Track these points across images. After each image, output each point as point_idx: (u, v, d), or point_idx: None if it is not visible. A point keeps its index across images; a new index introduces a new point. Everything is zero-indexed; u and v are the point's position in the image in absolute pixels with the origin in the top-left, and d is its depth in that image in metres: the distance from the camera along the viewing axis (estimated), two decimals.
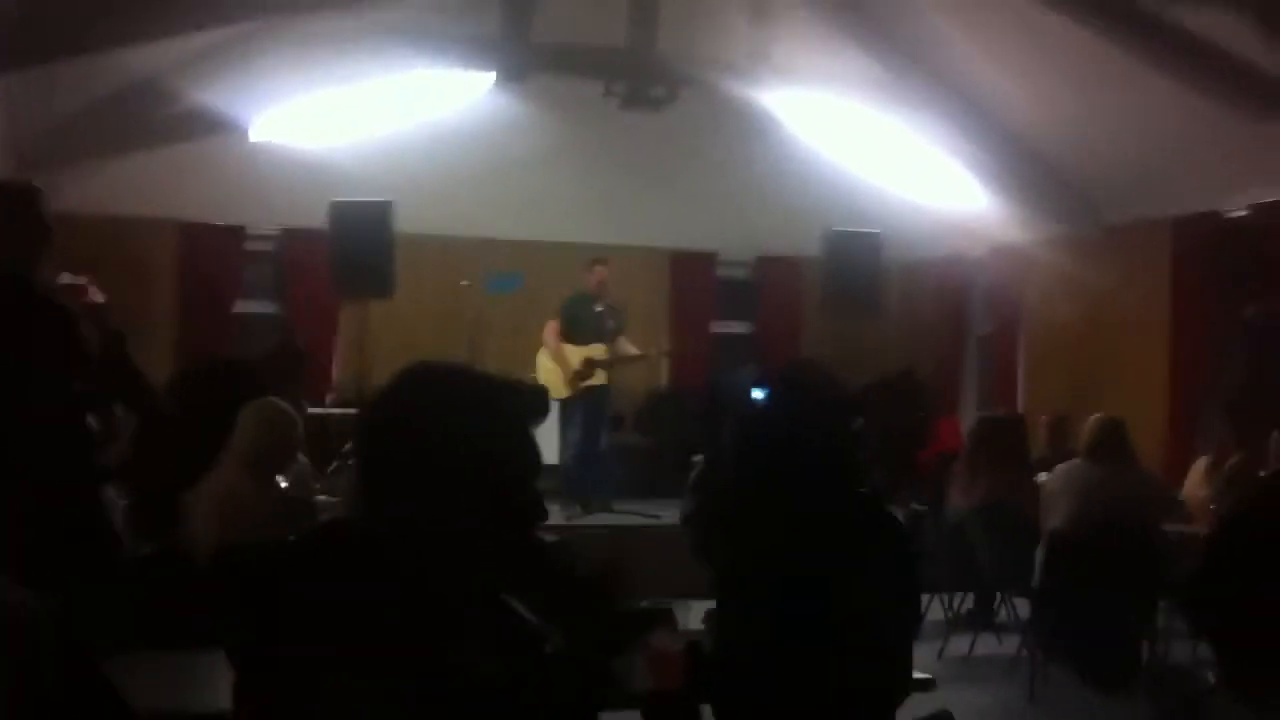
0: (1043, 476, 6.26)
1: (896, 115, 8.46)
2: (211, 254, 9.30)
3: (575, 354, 8.08)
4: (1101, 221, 8.73)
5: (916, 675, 2.69)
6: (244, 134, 7.78)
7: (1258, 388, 7.50)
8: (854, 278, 8.86)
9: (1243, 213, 7.59)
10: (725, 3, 7.91)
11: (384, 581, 1.52)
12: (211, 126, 7.47)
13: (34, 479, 3.33)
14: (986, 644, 6.09)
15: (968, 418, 9.49)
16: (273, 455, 4.03)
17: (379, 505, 1.59)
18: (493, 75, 7.66)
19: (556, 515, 7.19)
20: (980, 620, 6.31)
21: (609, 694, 2.55)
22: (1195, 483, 7.07)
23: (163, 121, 7.31)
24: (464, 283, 8.13)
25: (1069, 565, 5.31)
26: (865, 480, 2.69)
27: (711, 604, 2.89)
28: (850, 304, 8.96)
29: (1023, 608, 5.87)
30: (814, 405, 2.65)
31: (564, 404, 7.96)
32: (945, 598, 6.51)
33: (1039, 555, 5.41)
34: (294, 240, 9.48)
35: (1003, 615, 6.25)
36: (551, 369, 8.10)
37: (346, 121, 8.05)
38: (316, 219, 7.97)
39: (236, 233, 9.41)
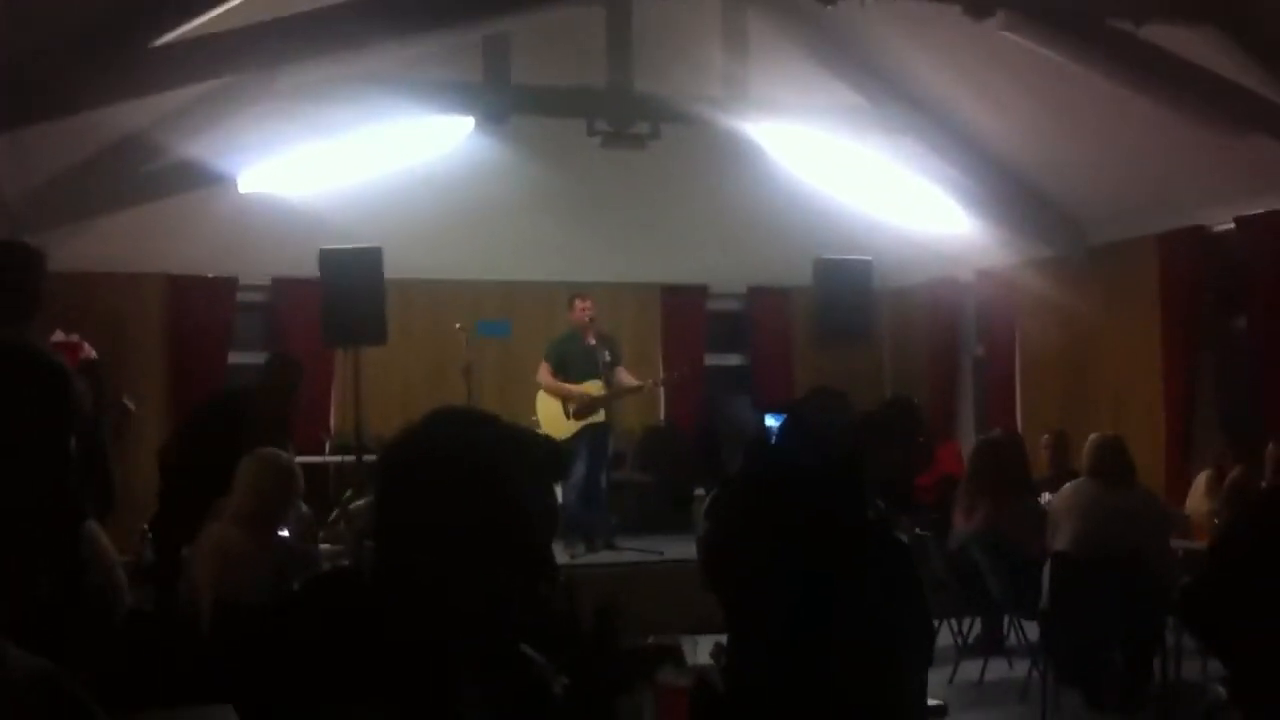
0: (1046, 497, 6.24)
1: (878, 144, 8.52)
2: (202, 306, 9.30)
3: (573, 392, 8.08)
4: (1087, 241, 8.78)
5: (929, 702, 2.67)
6: (232, 186, 7.80)
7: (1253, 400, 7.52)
8: (845, 305, 8.89)
9: (1228, 226, 7.63)
10: (701, 39, 7.99)
11: (389, 631, 1.49)
12: (199, 180, 7.49)
13: (29, 539, 3.30)
14: (997, 668, 6.06)
15: (966, 441, 9.49)
16: (271, 507, 4.01)
17: (394, 548, 1.54)
18: (472, 120, 7.72)
19: (560, 553, 7.15)
20: (990, 644, 6.27)
21: None
22: (1198, 497, 7.07)
23: (150, 176, 7.34)
24: (457, 326, 8.14)
25: (1074, 586, 5.28)
26: (872, 506, 2.69)
27: (718, 638, 2.87)
28: (842, 331, 8.98)
29: (1031, 630, 5.84)
30: (826, 431, 2.66)
31: (565, 444, 7.94)
32: (954, 623, 6.48)
33: (1044, 577, 5.38)
34: (285, 289, 9.48)
35: (1012, 639, 6.22)
36: (551, 410, 8.08)
37: (333, 170, 8.08)
38: (307, 268, 7.98)
39: (227, 284, 9.42)
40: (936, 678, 5.50)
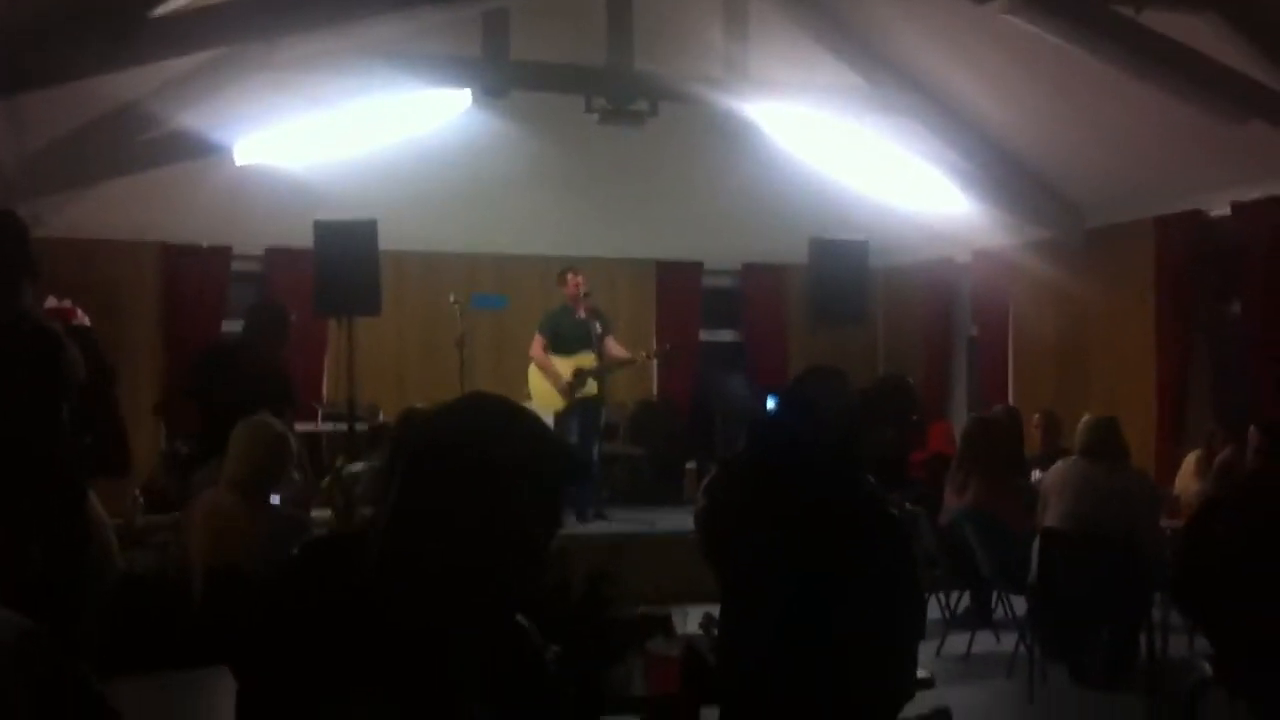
0: (1037, 474, 6.29)
1: (877, 124, 8.51)
2: (197, 275, 9.31)
3: (565, 365, 8.10)
4: (1084, 224, 8.79)
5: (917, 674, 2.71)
6: (229, 156, 7.78)
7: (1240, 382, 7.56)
8: (840, 284, 8.89)
9: (1224, 212, 7.65)
10: (701, 18, 7.96)
11: (392, 614, 1.50)
12: (196, 149, 7.47)
13: (25, 504, 3.31)
14: (984, 642, 6.10)
15: (959, 421, 9.54)
16: (264, 474, 4.02)
17: (407, 533, 1.52)
18: (470, 94, 7.69)
19: None
20: (978, 618, 6.33)
21: (609, 701, 2.56)
22: (1187, 477, 7.13)
23: (147, 145, 7.31)
24: (451, 299, 8.14)
25: (1062, 562, 5.33)
26: (868, 483, 2.71)
27: (708, 608, 2.90)
28: (836, 313, 8.99)
29: (1019, 605, 5.89)
30: (825, 410, 2.68)
31: (558, 416, 7.98)
32: (942, 596, 6.54)
33: (1033, 553, 5.43)
34: (279, 259, 9.48)
35: (999, 613, 6.27)
36: (543, 383, 8.13)
37: (329, 142, 8.06)
38: (301, 239, 7.97)
39: (222, 253, 9.42)
40: (924, 651, 5.55)
